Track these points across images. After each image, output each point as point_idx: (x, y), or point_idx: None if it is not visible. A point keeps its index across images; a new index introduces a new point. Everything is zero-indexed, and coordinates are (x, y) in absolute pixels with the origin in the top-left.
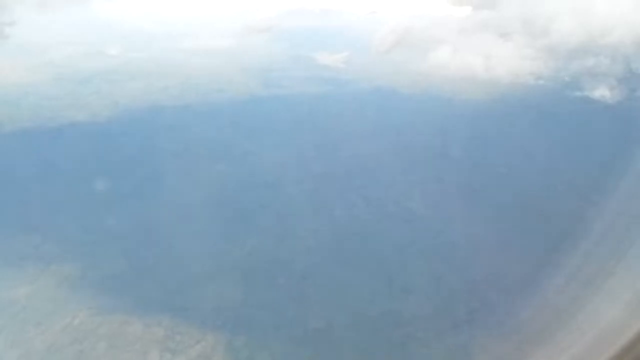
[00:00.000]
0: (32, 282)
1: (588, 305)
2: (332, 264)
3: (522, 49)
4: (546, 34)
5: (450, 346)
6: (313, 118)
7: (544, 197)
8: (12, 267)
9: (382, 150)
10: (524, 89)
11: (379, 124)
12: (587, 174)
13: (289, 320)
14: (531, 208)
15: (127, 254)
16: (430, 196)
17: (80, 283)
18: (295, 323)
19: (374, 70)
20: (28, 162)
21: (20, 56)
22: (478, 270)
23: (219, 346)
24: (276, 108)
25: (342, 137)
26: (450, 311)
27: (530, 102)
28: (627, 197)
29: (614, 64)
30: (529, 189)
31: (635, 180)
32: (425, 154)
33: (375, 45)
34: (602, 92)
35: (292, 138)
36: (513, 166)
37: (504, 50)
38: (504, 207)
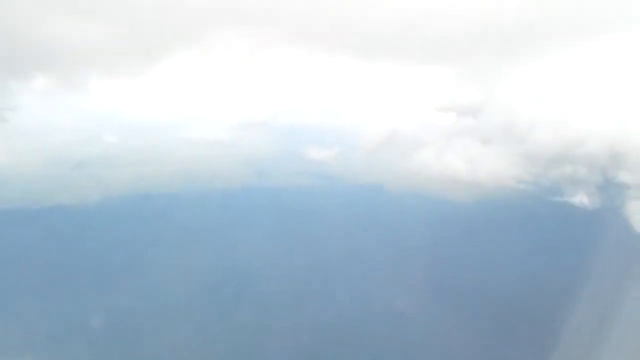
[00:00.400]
0: None
1: None
2: None
3: (503, 154)
4: (525, 142)
5: None
6: (301, 211)
7: (524, 298)
8: None
9: (367, 246)
10: (505, 192)
11: (365, 220)
12: (566, 276)
13: None
14: (511, 308)
15: (94, 348)
16: (411, 295)
17: None
18: None
19: (362, 167)
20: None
21: (17, 140)
22: None
23: None
24: (266, 199)
25: (329, 230)
26: None
27: (511, 204)
28: (597, 299)
29: (592, 173)
30: (510, 289)
31: (606, 284)
32: (408, 251)
33: (364, 144)
34: (581, 198)
35: (280, 229)
36: (496, 267)
37: (486, 154)
38: (485, 307)
